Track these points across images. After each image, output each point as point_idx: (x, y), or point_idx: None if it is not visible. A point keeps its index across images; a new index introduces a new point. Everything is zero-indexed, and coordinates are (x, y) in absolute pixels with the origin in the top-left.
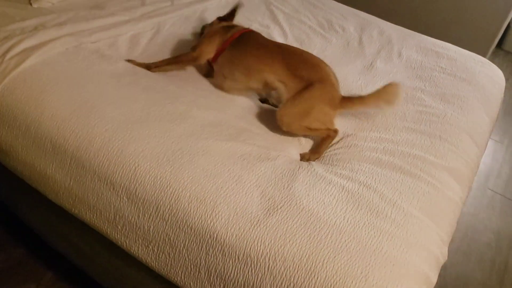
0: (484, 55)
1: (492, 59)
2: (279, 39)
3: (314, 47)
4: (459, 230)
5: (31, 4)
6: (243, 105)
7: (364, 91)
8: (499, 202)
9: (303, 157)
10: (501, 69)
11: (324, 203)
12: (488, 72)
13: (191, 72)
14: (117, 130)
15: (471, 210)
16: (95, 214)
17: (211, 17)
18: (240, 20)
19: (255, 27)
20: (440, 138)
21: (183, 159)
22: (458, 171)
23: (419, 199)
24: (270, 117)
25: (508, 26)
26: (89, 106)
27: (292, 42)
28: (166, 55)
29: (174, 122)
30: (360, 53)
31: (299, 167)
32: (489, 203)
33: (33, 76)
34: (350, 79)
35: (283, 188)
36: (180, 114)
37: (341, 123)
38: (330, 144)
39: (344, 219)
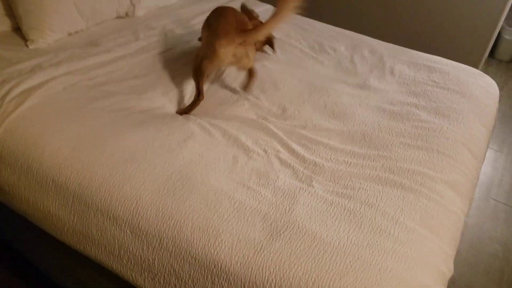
0: (477, 66)
1: (485, 69)
2: (271, 64)
3: (306, 69)
4: (464, 242)
5: (27, 45)
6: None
7: (359, 110)
8: (503, 212)
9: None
10: (494, 78)
11: (326, 225)
12: (481, 83)
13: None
14: (117, 164)
15: (475, 221)
16: (100, 250)
17: None
18: None
19: None
20: (438, 152)
21: (184, 189)
22: (458, 184)
23: (421, 214)
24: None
25: (499, 35)
26: (89, 143)
27: (284, 65)
28: (164, 87)
29: (173, 152)
30: (352, 73)
31: (300, 188)
32: (493, 213)
33: (33, 116)
34: (344, 98)
35: (285, 212)
36: (178, 144)
37: (339, 141)
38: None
39: (347, 240)
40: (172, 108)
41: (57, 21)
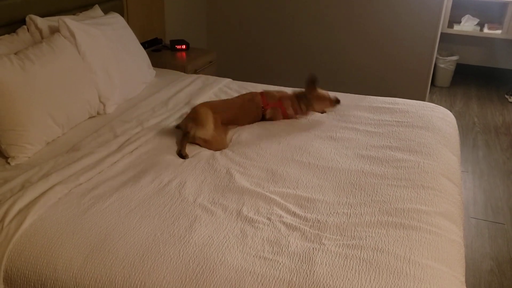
0: (424, 96)
1: (431, 97)
2: (246, 133)
3: (280, 132)
4: None
5: (9, 163)
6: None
7: (340, 161)
8: (485, 228)
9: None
10: (440, 103)
11: (348, 279)
12: (438, 114)
13: (187, 187)
14: (134, 263)
15: (464, 242)
16: None
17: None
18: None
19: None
20: (423, 187)
21: (205, 274)
22: (449, 213)
23: (428, 249)
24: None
25: (435, 65)
26: (100, 247)
27: (258, 132)
28: (154, 174)
29: (183, 239)
30: (323, 126)
31: (312, 249)
32: (477, 231)
33: (36, 234)
34: (323, 152)
35: (307, 275)
36: (186, 230)
37: (333, 194)
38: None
39: None
40: (165, 191)
41: (34, 134)
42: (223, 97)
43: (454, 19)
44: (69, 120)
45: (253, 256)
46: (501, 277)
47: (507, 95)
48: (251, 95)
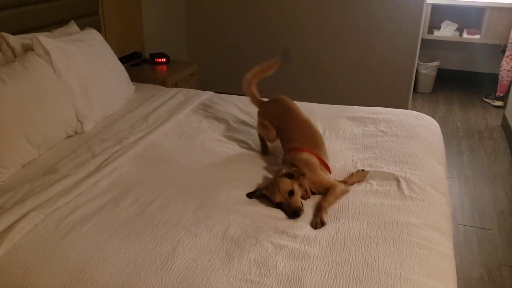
0: (407, 103)
1: (413, 104)
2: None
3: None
4: None
5: None
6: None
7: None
8: (473, 234)
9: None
10: (423, 110)
11: None
12: (422, 122)
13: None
14: None
15: (453, 251)
16: None
17: (161, 150)
18: None
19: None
20: (411, 198)
21: None
22: (439, 224)
23: (419, 264)
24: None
25: (417, 71)
26: (78, 276)
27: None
28: (135, 195)
29: (165, 265)
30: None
31: (301, 268)
32: (465, 238)
33: (11, 264)
34: None
35: None
36: (168, 255)
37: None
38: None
39: None
40: (146, 213)
41: (8, 157)
42: (206, 110)
43: (434, 25)
44: (45, 141)
45: (239, 280)
46: (491, 284)
47: (487, 98)
48: None
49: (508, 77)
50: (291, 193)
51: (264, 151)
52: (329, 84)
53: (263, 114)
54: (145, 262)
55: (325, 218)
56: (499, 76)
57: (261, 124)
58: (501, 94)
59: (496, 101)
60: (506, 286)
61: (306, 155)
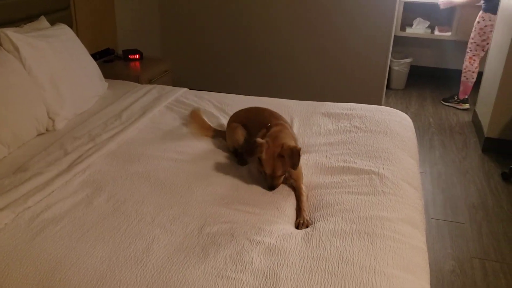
0: (380, 99)
1: (387, 100)
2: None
3: None
4: None
5: None
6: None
7: (302, 163)
8: (445, 228)
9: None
10: (396, 105)
11: None
12: (396, 118)
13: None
14: None
15: (426, 244)
16: None
17: (135, 147)
18: None
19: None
20: (384, 193)
21: None
22: (411, 218)
23: (393, 258)
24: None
25: (390, 68)
26: (51, 276)
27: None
28: (108, 193)
29: (140, 263)
30: None
31: (277, 264)
32: (438, 232)
33: None
34: None
35: None
36: (143, 252)
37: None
38: None
39: None
40: (120, 211)
41: None
42: (181, 107)
43: (406, 22)
44: (15, 139)
45: (215, 276)
46: (463, 276)
47: (449, 102)
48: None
49: (473, 78)
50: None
51: (242, 162)
52: (304, 81)
53: (232, 124)
54: (120, 260)
55: (308, 219)
56: (463, 78)
57: (231, 131)
58: (466, 96)
59: (463, 105)
60: (477, 278)
61: (287, 128)
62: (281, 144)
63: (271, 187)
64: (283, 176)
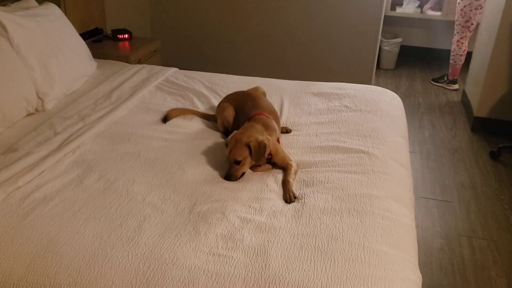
0: (370, 79)
1: (376, 80)
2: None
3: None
4: None
5: None
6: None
7: (293, 143)
8: (434, 207)
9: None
10: (386, 86)
11: (304, 270)
12: (385, 98)
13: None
14: (79, 270)
15: (415, 222)
16: None
17: (125, 127)
18: None
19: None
20: (373, 172)
21: (156, 277)
22: (400, 196)
23: (381, 234)
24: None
25: (380, 48)
26: (42, 254)
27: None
28: (99, 172)
29: (132, 241)
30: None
31: (267, 241)
32: (427, 210)
33: None
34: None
35: (262, 269)
36: (134, 231)
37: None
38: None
39: (328, 278)
40: (111, 190)
41: None
42: (170, 87)
43: (396, 2)
44: (5, 119)
45: (207, 254)
46: (451, 254)
47: (438, 82)
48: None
49: (461, 61)
50: (238, 162)
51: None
52: (294, 60)
53: (222, 104)
54: (111, 238)
55: (294, 190)
56: (451, 61)
57: (221, 110)
58: (455, 77)
59: (452, 85)
60: (464, 255)
61: (266, 119)
62: (250, 135)
63: (226, 175)
64: (243, 171)
